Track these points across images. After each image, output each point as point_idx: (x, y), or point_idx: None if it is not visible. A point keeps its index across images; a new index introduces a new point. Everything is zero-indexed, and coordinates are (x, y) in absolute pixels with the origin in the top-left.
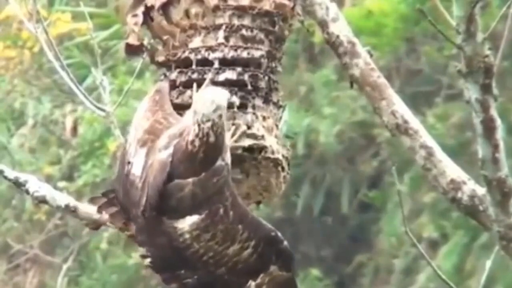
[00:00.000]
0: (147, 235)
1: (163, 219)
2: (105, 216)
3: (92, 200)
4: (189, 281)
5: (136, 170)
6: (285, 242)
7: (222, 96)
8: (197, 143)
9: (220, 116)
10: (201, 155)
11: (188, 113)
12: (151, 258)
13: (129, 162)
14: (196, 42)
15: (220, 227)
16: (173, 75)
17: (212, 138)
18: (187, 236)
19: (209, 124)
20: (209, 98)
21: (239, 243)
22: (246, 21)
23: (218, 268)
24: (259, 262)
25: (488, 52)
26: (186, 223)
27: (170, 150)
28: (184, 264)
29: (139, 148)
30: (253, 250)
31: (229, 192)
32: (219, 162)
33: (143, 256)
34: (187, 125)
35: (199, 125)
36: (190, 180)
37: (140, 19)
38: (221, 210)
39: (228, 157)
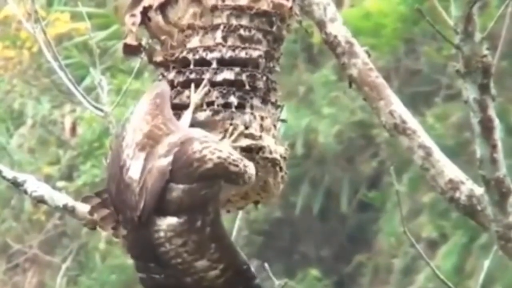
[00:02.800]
0: (134, 232)
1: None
2: (96, 218)
3: (85, 200)
4: (156, 277)
5: (133, 173)
6: (257, 280)
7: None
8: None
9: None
10: (202, 168)
11: (186, 115)
12: (130, 243)
13: (125, 163)
14: (194, 42)
15: (193, 237)
16: (171, 75)
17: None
18: (161, 234)
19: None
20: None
21: (208, 261)
22: (244, 21)
23: (184, 276)
24: (225, 287)
25: (486, 52)
26: (164, 222)
27: (170, 158)
28: (155, 260)
29: (137, 152)
30: (221, 273)
31: (213, 209)
32: (217, 181)
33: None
34: (188, 136)
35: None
36: (181, 186)
37: (138, 19)
38: (199, 222)
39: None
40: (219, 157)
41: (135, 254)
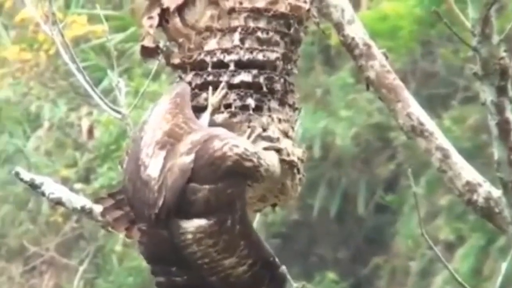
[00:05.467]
0: (152, 231)
1: (171, 218)
2: (108, 219)
3: (98, 201)
4: (178, 279)
5: (152, 171)
6: (282, 268)
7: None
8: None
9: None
10: (224, 165)
11: (203, 117)
12: (146, 248)
13: (144, 162)
14: (211, 44)
15: (224, 237)
16: (189, 77)
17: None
18: (189, 236)
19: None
20: None
21: (237, 257)
22: (262, 24)
23: (211, 275)
24: (251, 281)
25: (503, 54)
26: (192, 224)
27: (192, 156)
28: (177, 262)
29: (157, 150)
30: (248, 268)
31: (240, 206)
32: (240, 178)
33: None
34: (211, 134)
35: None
36: (206, 186)
37: (155, 21)
38: (229, 222)
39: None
40: (237, 154)
41: (152, 258)
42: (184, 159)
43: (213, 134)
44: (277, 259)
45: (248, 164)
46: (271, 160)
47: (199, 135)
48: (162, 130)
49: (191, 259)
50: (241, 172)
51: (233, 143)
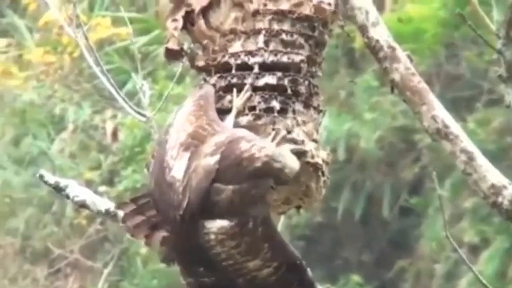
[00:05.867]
0: (178, 232)
1: (196, 218)
2: (128, 226)
3: (120, 206)
4: (206, 280)
5: (176, 172)
6: (309, 272)
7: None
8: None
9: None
10: (251, 166)
11: (228, 119)
12: (173, 249)
13: (169, 164)
14: (236, 46)
15: (245, 239)
16: (213, 80)
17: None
18: (212, 237)
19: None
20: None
21: (261, 260)
22: (286, 26)
23: (237, 277)
24: (278, 284)
25: None
26: (214, 225)
27: (217, 157)
28: (205, 263)
29: (181, 152)
30: (274, 271)
31: (263, 208)
32: (265, 179)
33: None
34: (235, 136)
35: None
36: (230, 187)
37: (180, 23)
38: (251, 224)
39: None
40: (266, 155)
41: (179, 259)
42: (208, 160)
43: (238, 136)
44: (304, 264)
45: (276, 165)
46: (293, 162)
47: (223, 136)
48: (186, 132)
49: (216, 260)
50: (268, 174)
51: (261, 145)
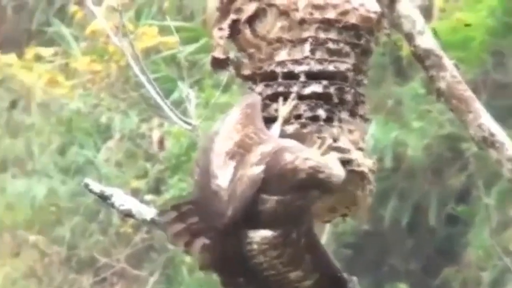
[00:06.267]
0: (221, 241)
1: (240, 227)
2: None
3: (161, 214)
4: None
5: (221, 181)
6: (353, 279)
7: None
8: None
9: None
10: (296, 178)
11: (274, 128)
12: (214, 258)
13: (214, 172)
14: (282, 55)
15: (288, 249)
16: (259, 88)
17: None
18: (255, 246)
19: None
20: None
21: (303, 271)
22: (332, 35)
23: (278, 287)
24: None
25: None
26: (258, 234)
27: (262, 167)
28: (245, 273)
29: (227, 160)
30: (315, 283)
31: (307, 220)
32: (311, 191)
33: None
34: (280, 146)
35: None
36: (275, 197)
37: (226, 32)
38: (294, 234)
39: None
40: (310, 167)
41: (220, 268)
42: (254, 170)
43: (283, 146)
44: (345, 275)
45: (321, 176)
46: (340, 171)
47: (270, 146)
48: (232, 140)
49: (257, 269)
50: (313, 185)
51: (305, 156)
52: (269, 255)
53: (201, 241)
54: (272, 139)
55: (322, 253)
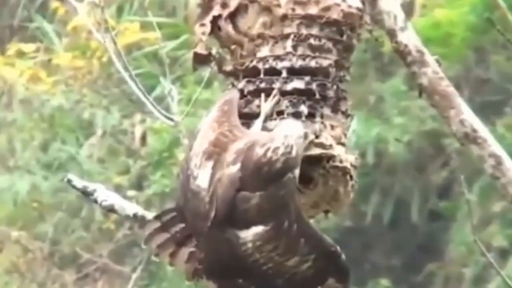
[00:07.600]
0: (207, 244)
1: (226, 229)
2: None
3: (144, 225)
4: None
5: (201, 182)
6: (343, 256)
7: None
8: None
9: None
10: (273, 169)
11: (256, 124)
12: (207, 265)
13: (193, 172)
14: (264, 51)
15: (283, 239)
16: (241, 84)
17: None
18: (249, 245)
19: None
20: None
21: (300, 256)
22: (314, 31)
23: (276, 278)
24: (317, 275)
25: None
26: (249, 233)
27: (238, 165)
28: (243, 273)
29: (204, 161)
30: (312, 264)
31: (294, 205)
32: (288, 175)
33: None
34: (251, 141)
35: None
36: (257, 193)
37: (208, 28)
38: (286, 224)
39: (297, 170)
40: (282, 154)
41: (217, 274)
42: (231, 169)
43: (254, 140)
44: (338, 248)
45: (293, 155)
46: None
47: (243, 143)
48: (208, 139)
49: (255, 267)
50: (289, 169)
51: (274, 146)
52: (265, 250)
53: (187, 250)
54: (245, 135)
55: (314, 233)
